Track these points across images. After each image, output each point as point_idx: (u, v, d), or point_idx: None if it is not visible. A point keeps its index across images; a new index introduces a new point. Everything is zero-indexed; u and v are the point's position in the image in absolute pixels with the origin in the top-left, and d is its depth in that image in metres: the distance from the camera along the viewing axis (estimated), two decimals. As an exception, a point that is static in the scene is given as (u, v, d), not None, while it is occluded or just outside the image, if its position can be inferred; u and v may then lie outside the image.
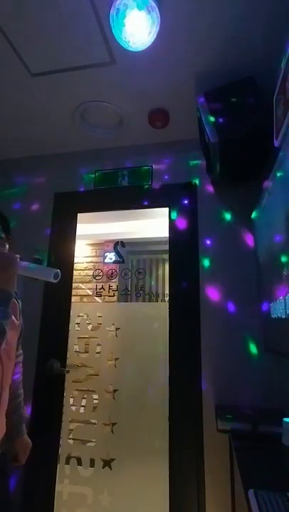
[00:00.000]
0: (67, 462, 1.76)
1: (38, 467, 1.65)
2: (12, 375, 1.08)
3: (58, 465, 1.72)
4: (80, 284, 2.33)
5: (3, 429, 1.02)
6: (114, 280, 2.06)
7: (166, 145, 2.01)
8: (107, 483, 1.70)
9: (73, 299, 1.96)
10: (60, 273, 0.94)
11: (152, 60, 1.43)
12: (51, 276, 0.92)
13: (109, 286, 2.06)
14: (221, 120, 1.44)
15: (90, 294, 2.20)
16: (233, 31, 1.30)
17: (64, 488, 1.73)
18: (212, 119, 1.45)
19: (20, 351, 1.26)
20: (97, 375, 1.84)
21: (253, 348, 1.58)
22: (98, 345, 1.88)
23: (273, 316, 1.25)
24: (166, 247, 1.88)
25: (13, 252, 0.96)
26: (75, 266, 2.02)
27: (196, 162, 1.94)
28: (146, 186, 1.99)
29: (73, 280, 1.96)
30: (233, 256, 1.73)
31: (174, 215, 1.91)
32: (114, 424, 1.77)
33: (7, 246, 1.03)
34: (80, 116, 1.85)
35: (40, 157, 2.20)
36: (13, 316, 1.05)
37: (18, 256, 0.92)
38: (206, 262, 1.76)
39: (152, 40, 1.30)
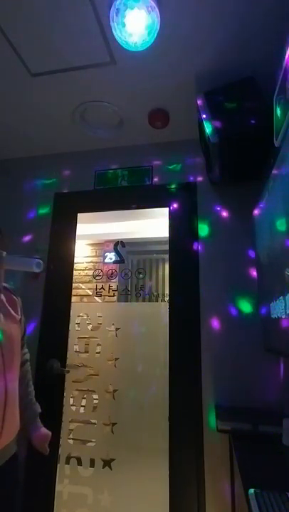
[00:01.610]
0: (67, 462, 1.76)
1: (38, 467, 1.65)
2: (19, 371, 1.09)
3: (58, 465, 1.72)
4: (80, 284, 2.33)
5: (17, 425, 1.05)
6: (114, 280, 2.06)
7: (166, 145, 2.01)
8: (107, 483, 1.70)
9: (73, 299, 1.96)
10: (41, 263, 0.98)
11: (152, 60, 1.43)
12: (32, 266, 0.95)
13: (109, 286, 2.06)
14: (220, 120, 1.44)
15: (90, 294, 2.19)
16: (233, 31, 1.30)
17: (64, 488, 1.73)
18: (212, 119, 1.45)
19: (26, 350, 1.28)
20: (97, 375, 1.84)
21: (253, 348, 1.57)
22: (98, 345, 1.88)
23: (273, 316, 1.26)
24: (166, 247, 1.88)
25: (6, 250, 0.99)
26: (75, 266, 2.01)
27: (196, 162, 1.94)
28: (146, 186, 1.99)
29: (73, 280, 1.96)
30: (233, 256, 1.73)
31: (173, 215, 1.91)
32: (114, 424, 1.77)
33: None
34: (80, 116, 1.85)
35: (40, 157, 2.21)
36: (12, 311, 1.08)
37: (4, 252, 0.97)
38: (206, 262, 1.76)
39: (152, 40, 1.30)
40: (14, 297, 1.16)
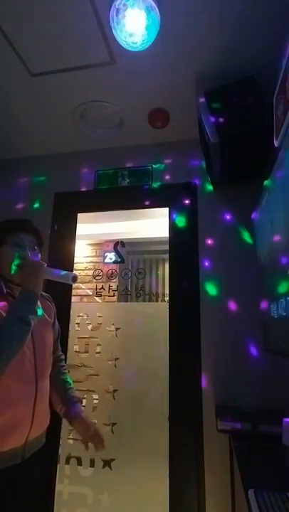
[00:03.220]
0: (67, 462, 1.76)
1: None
2: (51, 370, 1.19)
3: (58, 465, 1.72)
4: (80, 284, 2.33)
5: (47, 420, 1.15)
6: (114, 280, 2.06)
7: (166, 145, 2.01)
8: (107, 483, 1.70)
9: (73, 299, 1.96)
10: (77, 276, 1.11)
11: (152, 60, 1.43)
12: (69, 279, 1.09)
13: (109, 286, 2.06)
14: (220, 120, 1.44)
15: (90, 294, 2.20)
16: (233, 31, 1.30)
17: (64, 488, 1.73)
18: (212, 119, 1.45)
19: (61, 353, 1.38)
20: (97, 375, 1.84)
21: (253, 348, 1.58)
22: (98, 345, 1.88)
23: (273, 315, 1.26)
24: (166, 247, 1.88)
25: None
26: (75, 266, 2.02)
27: (196, 162, 1.94)
28: (146, 186, 1.99)
29: (73, 280, 1.96)
30: (233, 256, 1.73)
31: (174, 215, 1.91)
32: (114, 424, 1.77)
33: (39, 255, 1.19)
34: (80, 116, 1.85)
35: (40, 157, 2.21)
36: (46, 316, 1.20)
37: (45, 263, 1.08)
38: (206, 262, 1.76)
39: (152, 40, 1.29)
40: (49, 303, 1.28)
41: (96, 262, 2.34)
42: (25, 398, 1.03)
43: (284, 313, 1.10)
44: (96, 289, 2.07)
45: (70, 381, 1.33)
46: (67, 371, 1.36)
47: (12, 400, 0.98)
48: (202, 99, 1.50)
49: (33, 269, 1.05)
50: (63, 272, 1.11)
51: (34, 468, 1.10)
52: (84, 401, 1.83)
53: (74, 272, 1.97)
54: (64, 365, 1.36)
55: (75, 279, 1.09)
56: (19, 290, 1.03)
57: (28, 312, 0.96)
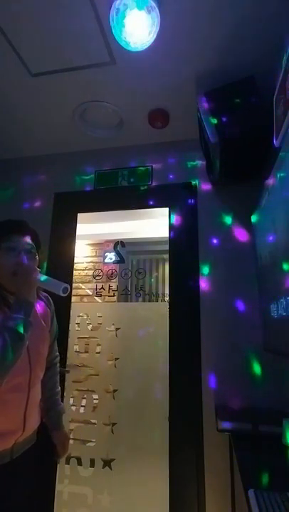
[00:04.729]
0: (67, 462, 1.76)
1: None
2: (44, 376, 1.18)
3: (58, 465, 1.72)
4: (80, 284, 2.33)
5: (38, 420, 1.15)
6: (114, 280, 2.06)
7: (166, 145, 2.01)
8: (107, 483, 1.70)
9: (73, 299, 1.96)
10: (68, 288, 1.03)
11: (152, 60, 1.43)
12: (60, 290, 1.01)
13: (109, 286, 2.06)
14: (221, 120, 1.44)
15: (90, 294, 2.20)
16: (233, 31, 1.30)
17: (64, 488, 1.73)
18: (212, 119, 1.45)
19: (57, 353, 1.34)
20: (97, 375, 1.84)
21: (253, 348, 1.57)
22: (98, 345, 1.88)
23: (273, 316, 1.26)
24: (166, 247, 1.88)
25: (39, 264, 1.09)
26: (75, 266, 2.01)
27: (196, 162, 1.94)
28: (146, 186, 1.99)
29: (73, 280, 1.96)
30: (233, 256, 1.73)
31: (173, 215, 1.91)
32: (114, 424, 1.77)
33: (37, 258, 1.13)
34: (80, 116, 1.85)
35: (40, 157, 2.21)
36: (43, 322, 1.16)
37: (39, 270, 1.03)
38: (206, 262, 1.76)
39: (152, 40, 1.29)
40: (47, 307, 1.23)
41: (96, 262, 2.33)
42: (17, 406, 1.01)
43: (284, 313, 1.10)
44: (96, 289, 2.07)
45: (58, 389, 1.31)
46: (58, 376, 1.33)
47: (3, 408, 0.97)
48: (202, 99, 1.50)
49: (27, 276, 0.98)
50: (54, 281, 1.04)
51: (24, 466, 1.08)
52: (84, 401, 1.83)
53: (73, 274, 1.98)
54: (57, 370, 1.32)
55: (66, 290, 1.02)
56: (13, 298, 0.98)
57: (23, 325, 0.91)
